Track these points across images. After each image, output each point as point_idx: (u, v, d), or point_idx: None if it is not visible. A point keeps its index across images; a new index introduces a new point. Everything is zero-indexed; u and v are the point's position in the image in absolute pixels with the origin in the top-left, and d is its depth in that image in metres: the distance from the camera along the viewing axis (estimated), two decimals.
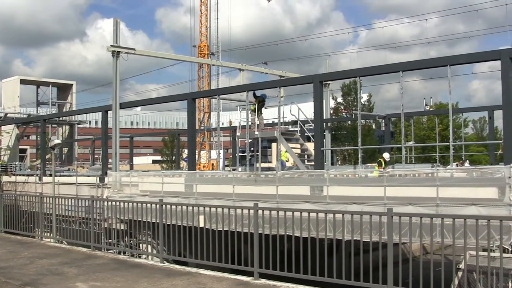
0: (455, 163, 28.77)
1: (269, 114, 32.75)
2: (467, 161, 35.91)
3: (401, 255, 11.52)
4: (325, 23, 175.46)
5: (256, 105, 27.97)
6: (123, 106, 33.74)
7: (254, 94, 27.88)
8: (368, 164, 32.06)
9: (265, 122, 31.82)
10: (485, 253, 9.26)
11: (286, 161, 27.36)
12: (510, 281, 9.18)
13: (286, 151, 26.73)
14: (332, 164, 34.30)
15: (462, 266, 12.37)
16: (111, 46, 30.47)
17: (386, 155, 26.64)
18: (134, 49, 32.42)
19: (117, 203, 16.73)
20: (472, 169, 21.38)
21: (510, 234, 9.71)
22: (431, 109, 61.47)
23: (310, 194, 19.65)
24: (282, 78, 36.80)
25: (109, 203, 17.44)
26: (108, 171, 30.28)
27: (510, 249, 10.70)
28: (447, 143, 22.70)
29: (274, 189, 19.57)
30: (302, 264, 10.63)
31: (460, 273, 13.15)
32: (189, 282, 11.08)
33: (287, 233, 11.30)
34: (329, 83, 34.53)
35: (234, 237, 12.90)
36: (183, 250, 13.90)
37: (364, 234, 10.15)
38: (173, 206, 14.37)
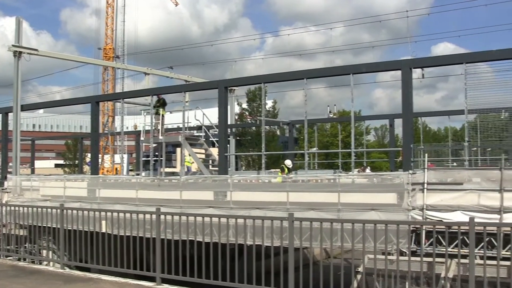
0: (357, 170, 30.30)
1: (174, 119, 33.09)
2: (368, 167, 37.64)
3: (304, 259, 12.28)
4: (232, 29, 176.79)
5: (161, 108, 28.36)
6: (25, 108, 33.19)
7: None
8: (272, 170, 33.15)
9: (170, 127, 32.26)
10: (384, 257, 10.11)
11: (191, 164, 27.91)
12: (407, 283, 10.05)
13: (190, 156, 27.25)
14: (236, 169, 35.22)
15: (361, 269, 13.33)
16: (13, 46, 29.95)
17: (288, 162, 27.70)
18: (37, 49, 31.99)
19: (17, 208, 16.71)
20: (372, 175, 22.78)
21: (407, 238, 10.69)
22: (334, 116, 63.70)
23: (214, 199, 20.34)
24: (187, 83, 37.29)
25: (8, 208, 17.38)
26: (8, 175, 29.59)
27: (407, 252, 11.75)
28: (349, 150, 23.96)
29: (178, 194, 20.12)
30: (205, 269, 10.92)
31: (359, 276, 14.05)
32: None
33: (190, 238, 11.72)
34: (234, 89, 35.28)
35: (136, 242, 13.19)
36: (85, 256, 13.95)
37: (267, 239, 10.71)
38: (75, 211, 14.38)
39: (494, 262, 8.69)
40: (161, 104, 28.56)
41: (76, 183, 26.04)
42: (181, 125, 27.91)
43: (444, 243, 10.04)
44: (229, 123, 29.42)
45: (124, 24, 69.82)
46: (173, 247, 11.49)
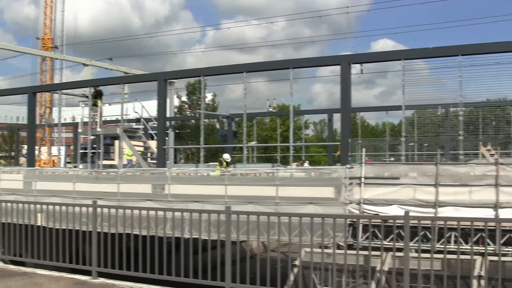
0: (295, 163, 30.64)
1: (113, 111, 32.74)
2: (307, 161, 38.08)
3: (242, 253, 12.37)
4: (173, 21, 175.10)
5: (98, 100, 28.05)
6: None
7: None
8: (211, 163, 33.20)
9: (108, 119, 31.92)
10: (325, 250, 10.26)
11: (131, 156, 27.72)
12: (344, 276, 10.26)
13: (130, 149, 27.09)
14: (175, 162, 35.07)
15: (297, 262, 13.50)
16: None
17: (226, 156, 27.84)
18: None
19: None
20: (311, 169, 23.09)
21: (344, 231, 10.88)
22: (274, 110, 64.07)
23: (152, 192, 20.29)
24: (127, 74, 36.95)
25: None
26: None
27: (344, 246, 11.98)
28: (288, 144, 24.20)
29: (116, 186, 19.94)
30: (142, 263, 10.91)
31: (295, 270, 14.24)
32: (24, 283, 11.08)
33: (127, 232, 11.67)
34: (174, 82, 35.18)
35: (73, 235, 13.04)
36: (20, 249, 13.69)
37: (205, 233, 10.81)
38: (9, 204, 14.18)
39: (429, 255, 8.95)
40: (98, 95, 28.20)
41: (12, 175, 25.51)
42: (119, 117, 27.67)
43: (380, 237, 10.33)
44: (168, 115, 29.36)
45: (63, 14, 68.29)
46: (110, 241, 11.50)
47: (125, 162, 27.31)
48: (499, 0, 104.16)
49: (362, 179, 16.91)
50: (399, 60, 20.06)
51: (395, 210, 15.46)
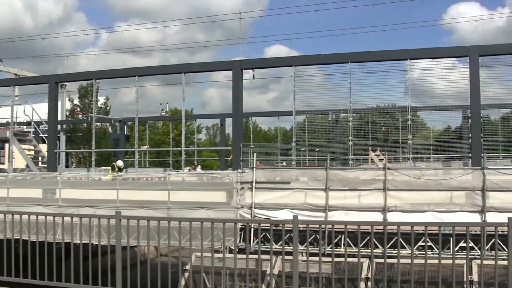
0: (188, 168, 30.60)
1: (2, 113, 31.53)
2: (199, 166, 38.11)
3: (133, 258, 12.21)
4: (67, 23, 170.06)
5: None
6: None
7: None
8: (103, 167, 32.62)
9: None
10: (216, 254, 10.30)
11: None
12: (236, 281, 10.34)
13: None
14: (66, 166, 34.21)
15: (188, 267, 13.48)
16: None
17: (119, 163, 27.43)
18: None
19: None
20: (203, 174, 23.15)
21: (234, 235, 10.94)
22: (166, 115, 63.59)
23: (42, 197, 19.70)
24: (17, 76, 35.61)
25: None
26: None
27: (235, 250, 12.04)
28: (180, 148, 24.17)
29: (5, 191, 19.24)
30: (31, 269, 10.46)
31: (186, 274, 14.22)
32: None
33: (15, 237, 11.27)
34: (66, 84, 34.31)
35: None
36: None
37: (97, 238, 10.65)
38: None
39: (317, 259, 9.15)
40: None
41: None
42: (9, 120, 26.71)
43: (272, 241, 10.46)
44: (59, 119, 28.69)
45: None
46: None
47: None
48: (388, 10, 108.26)
49: (254, 184, 17.12)
50: (291, 66, 20.46)
51: (286, 214, 15.73)
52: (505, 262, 8.25)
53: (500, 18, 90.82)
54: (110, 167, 28.25)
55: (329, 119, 32.10)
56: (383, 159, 20.12)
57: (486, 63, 21.14)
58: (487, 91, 22.63)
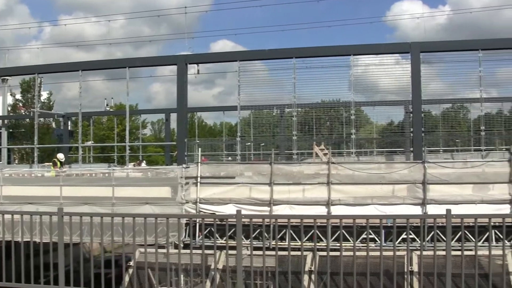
0: (132, 163, 30.35)
1: None
2: (144, 161, 37.82)
3: (77, 255, 12.03)
4: (8, 16, 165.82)
5: None
6: None
7: None
8: (46, 164, 32.02)
9: None
10: (160, 250, 10.27)
11: None
12: (182, 276, 10.30)
13: None
14: (8, 163, 33.50)
15: (132, 263, 13.35)
16: None
17: (60, 156, 26.97)
18: None
19: None
20: (147, 169, 23.01)
21: (178, 231, 10.93)
22: (111, 110, 62.87)
23: None
24: None
25: None
26: None
27: (180, 245, 12.01)
28: (125, 144, 24.00)
29: None
30: None
31: (130, 270, 14.09)
32: None
33: None
34: (7, 79, 33.52)
35: None
36: None
37: (39, 235, 10.44)
38: None
39: (261, 252, 9.21)
40: None
41: None
42: None
43: (216, 235, 10.49)
44: (0, 114, 28.04)
45: None
46: None
47: None
48: (333, 6, 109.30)
49: (198, 179, 17.12)
50: (236, 61, 20.51)
51: (231, 209, 15.79)
52: (444, 253, 8.47)
53: (441, 16, 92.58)
54: (51, 163, 27.79)
55: (274, 114, 32.30)
56: (327, 154, 20.34)
57: (427, 59, 21.61)
58: (429, 86, 23.17)
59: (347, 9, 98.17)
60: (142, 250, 10.83)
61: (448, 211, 8.34)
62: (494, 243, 10.56)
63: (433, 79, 24.94)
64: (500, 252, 9.02)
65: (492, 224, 8.76)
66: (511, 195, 15.94)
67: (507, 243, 9.59)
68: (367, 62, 24.46)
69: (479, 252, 8.97)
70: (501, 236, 8.80)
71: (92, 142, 43.54)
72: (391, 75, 23.60)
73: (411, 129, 21.02)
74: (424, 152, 17.58)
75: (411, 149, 20.70)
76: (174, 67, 22.24)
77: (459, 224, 8.61)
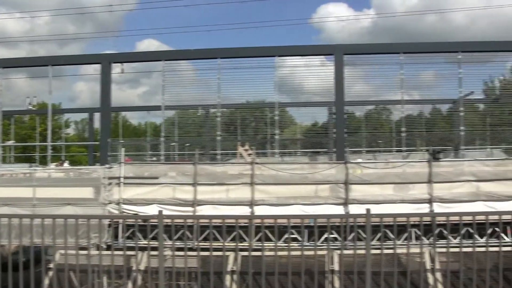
0: (55, 164, 29.68)
1: None
2: (67, 161, 37.07)
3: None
4: None
5: None
6: None
7: None
8: None
9: None
10: (82, 251, 10.03)
11: None
12: (105, 277, 10.09)
13: None
14: None
15: (52, 265, 13.06)
16: None
17: None
18: None
19: None
20: (69, 169, 22.54)
21: (99, 232, 10.70)
22: (33, 108, 61.28)
23: None
24: None
25: None
26: None
27: (101, 246, 11.79)
28: (46, 143, 23.49)
29: None
30: None
31: (51, 273, 13.75)
32: None
33: None
34: None
35: None
36: None
37: None
38: None
39: (183, 253, 9.15)
40: None
41: None
42: None
43: (139, 236, 10.35)
44: None
45: None
46: None
47: None
48: (259, 7, 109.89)
49: (122, 179, 16.89)
50: (160, 60, 20.38)
51: (155, 210, 15.62)
52: (364, 252, 8.61)
53: (366, 19, 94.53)
54: None
55: (199, 114, 32.20)
56: (251, 154, 20.43)
57: (351, 61, 22.04)
58: (352, 88, 23.59)
59: (274, 10, 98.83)
60: (63, 251, 10.57)
61: (368, 210, 8.49)
62: (414, 241, 10.84)
63: (357, 81, 25.46)
64: (419, 250, 9.23)
65: (411, 223, 8.98)
66: (430, 194, 16.38)
67: (425, 241, 9.83)
68: (293, 64, 24.73)
69: (400, 250, 9.15)
70: (420, 234, 9.01)
71: (14, 141, 42.33)
72: (316, 77, 23.96)
73: (334, 130, 21.35)
74: (347, 153, 17.87)
75: (334, 149, 21.02)
76: (99, 66, 21.94)
77: (379, 223, 8.79)
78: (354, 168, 17.20)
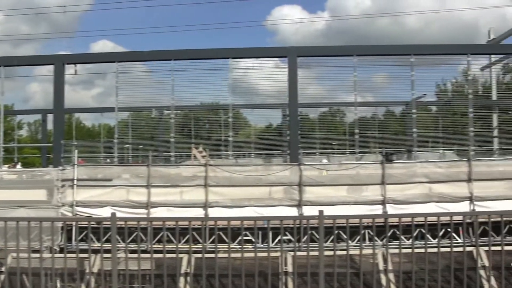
0: (7, 165, 29.16)
1: None
2: (19, 163, 36.42)
3: None
4: None
5: None
6: None
7: None
8: None
9: None
10: (34, 254, 9.89)
11: None
12: (58, 280, 9.97)
13: None
14: None
15: (3, 269, 12.85)
16: None
17: None
18: None
19: None
20: (22, 171, 22.15)
21: (52, 234, 10.59)
22: None
23: None
24: None
25: None
26: None
27: (53, 249, 11.63)
28: (3, 145, 23.14)
29: None
30: None
31: (3, 276, 13.54)
32: None
33: None
34: None
35: None
36: None
37: None
38: None
39: (136, 256, 9.11)
40: None
41: None
42: None
43: (93, 239, 10.27)
44: None
45: None
46: None
47: None
48: (214, 9, 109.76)
49: (75, 181, 16.70)
50: (114, 62, 20.24)
51: (109, 212, 15.45)
52: (318, 253, 8.69)
53: (320, 22, 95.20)
54: None
55: (153, 115, 32.05)
56: (205, 156, 20.40)
57: (305, 63, 22.17)
58: (306, 90, 23.78)
59: (228, 12, 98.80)
60: (15, 255, 10.42)
61: (321, 212, 8.58)
62: (367, 242, 10.98)
63: (311, 83, 25.68)
64: (372, 251, 9.34)
65: (364, 224, 9.10)
66: (383, 196, 16.60)
67: (378, 242, 9.99)
68: (247, 66, 24.78)
69: (353, 252, 9.25)
70: (373, 235, 9.13)
71: None
72: (270, 79, 24.04)
73: (288, 132, 21.46)
74: (300, 155, 17.99)
75: (288, 151, 21.12)
76: (52, 67, 21.67)
77: (332, 225, 8.88)
78: (320, 170, 17.37)
